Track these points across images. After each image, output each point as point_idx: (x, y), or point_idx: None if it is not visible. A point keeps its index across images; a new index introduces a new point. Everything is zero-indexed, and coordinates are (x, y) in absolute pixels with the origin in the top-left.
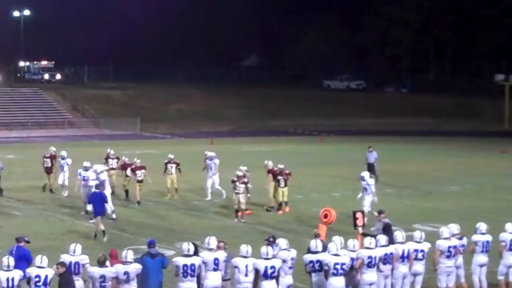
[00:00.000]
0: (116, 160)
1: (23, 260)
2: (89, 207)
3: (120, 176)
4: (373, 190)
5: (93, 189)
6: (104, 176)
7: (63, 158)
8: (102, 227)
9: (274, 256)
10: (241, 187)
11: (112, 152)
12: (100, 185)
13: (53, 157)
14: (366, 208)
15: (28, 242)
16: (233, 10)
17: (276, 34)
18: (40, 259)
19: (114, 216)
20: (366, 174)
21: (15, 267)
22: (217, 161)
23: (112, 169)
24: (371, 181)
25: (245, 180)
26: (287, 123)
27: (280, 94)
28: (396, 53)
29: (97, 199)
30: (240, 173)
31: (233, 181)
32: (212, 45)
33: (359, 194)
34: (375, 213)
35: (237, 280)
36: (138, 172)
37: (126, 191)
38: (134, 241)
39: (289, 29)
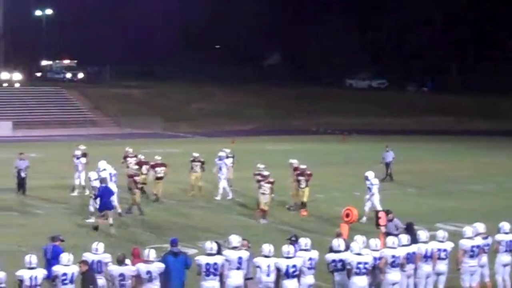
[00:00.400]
0: (134, 159)
1: (58, 259)
2: (96, 202)
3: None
4: (376, 190)
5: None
6: (105, 174)
7: (77, 158)
8: (111, 220)
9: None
10: (266, 187)
11: (130, 150)
12: (103, 180)
13: (83, 155)
14: (378, 207)
15: (62, 241)
16: (255, 8)
17: (298, 32)
18: (67, 257)
19: (119, 210)
20: (370, 174)
21: (50, 265)
22: (227, 161)
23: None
24: (375, 181)
25: (271, 180)
26: (309, 122)
27: (302, 92)
28: (417, 52)
29: (105, 194)
30: (266, 173)
31: (259, 181)
32: (234, 44)
33: (366, 194)
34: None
35: (258, 279)
36: (158, 169)
37: (141, 188)
38: (156, 239)
39: (310, 28)
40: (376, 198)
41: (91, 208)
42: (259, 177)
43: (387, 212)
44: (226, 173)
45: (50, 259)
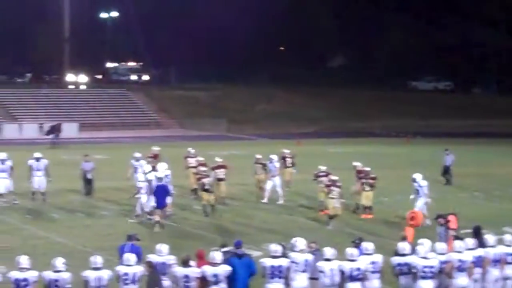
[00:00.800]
0: (195, 159)
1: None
2: (152, 200)
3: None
4: (426, 192)
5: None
6: (151, 176)
7: (137, 160)
8: (158, 218)
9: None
10: (336, 192)
11: (192, 151)
12: (161, 179)
13: (155, 157)
14: (423, 210)
15: (138, 240)
16: (319, 10)
17: (361, 34)
18: (128, 258)
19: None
20: (418, 176)
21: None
22: (277, 164)
23: (191, 167)
24: (424, 183)
25: (339, 184)
26: (373, 124)
27: (366, 94)
28: (483, 54)
29: (161, 192)
30: (335, 177)
31: (328, 186)
32: (298, 45)
33: (411, 195)
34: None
35: (322, 283)
36: (218, 171)
37: (207, 190)
38: (220, 241)
39: (374, 30)
40: (420, 201)
41: (138, 209)
42: (327, 181)
43: (438, 217)
44: (275, 175)
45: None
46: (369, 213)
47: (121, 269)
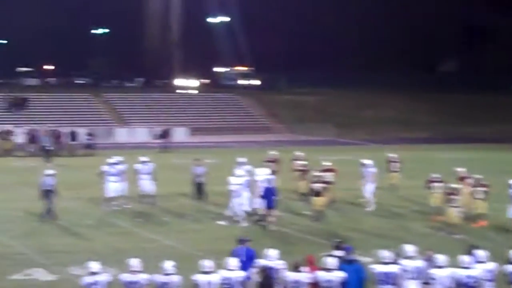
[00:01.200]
0: (302, 162)
1: (251, 260)
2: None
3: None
4: None
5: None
6: (259, 178)
7: (244, 164)
8: (272, 218)
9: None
10: (456, 199)
11: (301, 154)
12: (270, 181)
13: (274, 161)
14: None
15: (249, 240)
16: (429, 16)
17: (474, 38)
18: (231, 262)
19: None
20: None
21: (245, 267)
22: (372, 169)
23: (299, 170)
24: None
25: (456, 192)
26: (486, 130)
27: (478, 99)
28: None
29: (269, 193)
30: (458, 185)
31: (448, 194)
32: (408, 50)
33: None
34: None
35: None
36: (326, 174)
37: (303, 194)
38: (329, 246)
39: (486, 33)
40: None
41: (229, 212)
42: (447, 190)
43: None
44: (371, 181)
45: (245, 261)
46: (482, 220)
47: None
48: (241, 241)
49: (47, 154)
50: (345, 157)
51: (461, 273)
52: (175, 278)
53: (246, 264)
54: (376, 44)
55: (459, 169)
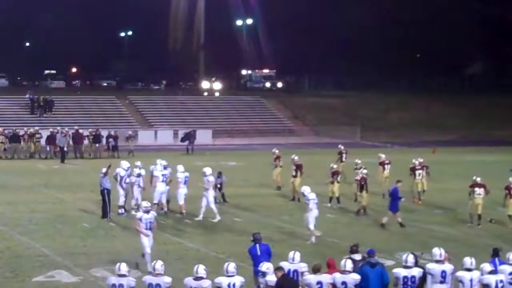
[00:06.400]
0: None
1: (268, 254)
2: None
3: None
4: None
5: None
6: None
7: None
8: (399, 219)
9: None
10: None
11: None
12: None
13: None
14: None
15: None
16: (456, 19)
17: (502, 40)
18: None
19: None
20: None
21: (264, 260)
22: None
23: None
24: None
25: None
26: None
27: (506, 102)
28: None
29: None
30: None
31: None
32: (435, 53)
33: None
34: None
35: None
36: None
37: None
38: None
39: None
40: None
41: None
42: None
43: None
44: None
45: (261, 256)
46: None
47: (222, 280)
48: (254, 239)
49: (62, 155)
50: (370, 160)
51: (490, 277)
52: (206, 283)
53: (263, 260)
54: (404, 46)
55: (476, 178)
